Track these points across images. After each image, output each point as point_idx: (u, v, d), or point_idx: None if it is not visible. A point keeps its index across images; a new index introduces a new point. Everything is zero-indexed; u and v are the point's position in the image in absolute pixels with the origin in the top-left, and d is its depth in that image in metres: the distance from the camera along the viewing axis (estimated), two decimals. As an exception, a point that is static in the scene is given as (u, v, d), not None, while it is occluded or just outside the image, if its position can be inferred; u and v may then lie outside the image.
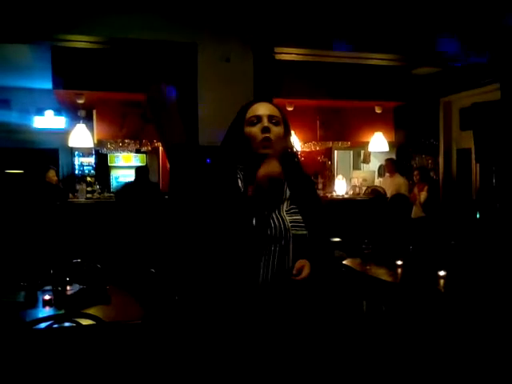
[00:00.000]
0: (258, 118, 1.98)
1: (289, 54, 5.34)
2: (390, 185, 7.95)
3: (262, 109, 2.01)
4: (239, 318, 1.88)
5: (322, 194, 7.89)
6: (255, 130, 1.97)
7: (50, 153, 9.39)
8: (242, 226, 1.86)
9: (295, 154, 2.09)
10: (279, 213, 1.93)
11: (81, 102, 7.30)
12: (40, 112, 9.03)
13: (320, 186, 8.49)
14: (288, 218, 1.93)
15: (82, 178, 9.09)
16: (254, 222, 1.87)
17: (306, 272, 1.87)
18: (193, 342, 2.03)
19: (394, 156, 8.89)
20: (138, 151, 9.06)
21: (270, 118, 1.99)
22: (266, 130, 1.95)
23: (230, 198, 1.90)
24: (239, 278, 1.87)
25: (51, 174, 7.26)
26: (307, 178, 2.14)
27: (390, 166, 8.16)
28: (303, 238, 1.93)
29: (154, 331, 2.87)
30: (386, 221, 6.84)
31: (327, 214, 2.10)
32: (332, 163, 9.86)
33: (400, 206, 7.05)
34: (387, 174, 8.27)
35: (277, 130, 1.98)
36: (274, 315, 1.89)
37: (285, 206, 1.96)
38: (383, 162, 8.63)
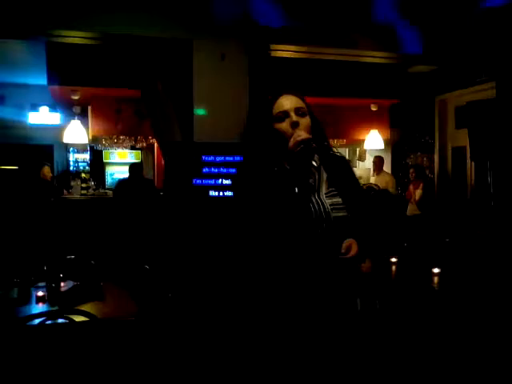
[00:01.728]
0: (285, 114, 1.97)
1: (284, 52, 5.33)
2: (377, 182, 8.01)
3: (287, 102, 1.99)
4: (291, 302, 1.88)
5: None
6: (285, 125, 1.95)
7: (45, 149, 9.33)
8: (298, 218, 1.85)
9: (325, 137, 2.08)
10: (318, 196, 1.92)
11: (76, 98, 7.27)
12: (35, 108, 8.97)
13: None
14: (328, 201, 1.92)
15: (76, 174, 9.05)
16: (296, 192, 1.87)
17: (354, 250, 1.86)
18: (199, 337, 2.02)
19: (389, 154, 8.91)
20: (133, 148, 9.01)
21: (297, 110, 1.98)
22: (295, 124, 1.95)
23: (279, 193, 1.88)
24: (293, 262, 1.87)
25: (46, 170, 7.25)
26: (342, 159, 2.12)
27: (378, 164, 8.20)
28: (345, 220, 1.92)
29: (148, 328, 2.87)
30: (380, 218, 6.84)
31: (366, 194, 2.08)
32: (327, 161, 9.83)
33: (384, 202, 7.08)
34: (374, 172, 8.30)
35: (305, 122, 1.98)
36: (324, 297, 1.92)
37: (323, 189, 1.95)
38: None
